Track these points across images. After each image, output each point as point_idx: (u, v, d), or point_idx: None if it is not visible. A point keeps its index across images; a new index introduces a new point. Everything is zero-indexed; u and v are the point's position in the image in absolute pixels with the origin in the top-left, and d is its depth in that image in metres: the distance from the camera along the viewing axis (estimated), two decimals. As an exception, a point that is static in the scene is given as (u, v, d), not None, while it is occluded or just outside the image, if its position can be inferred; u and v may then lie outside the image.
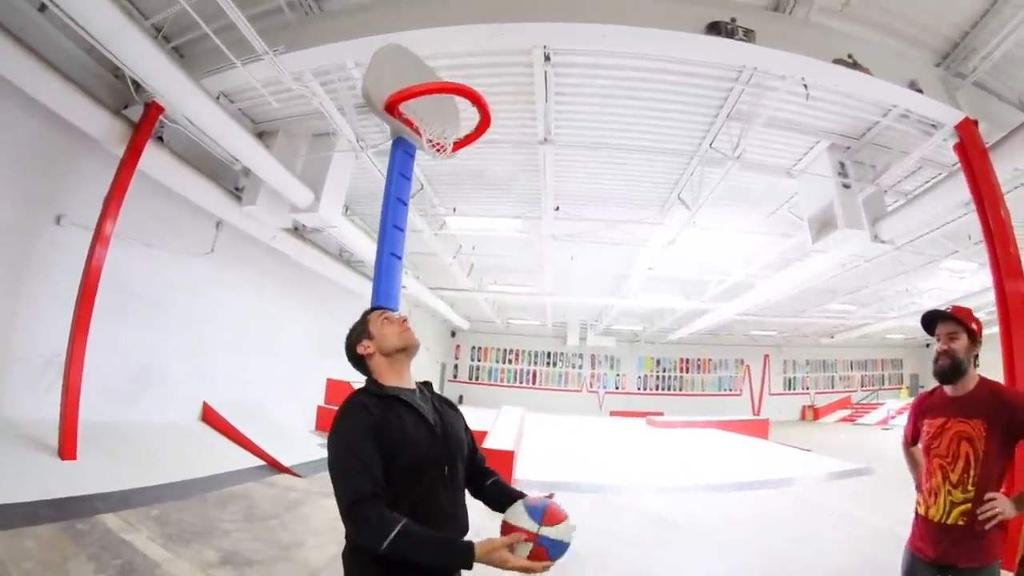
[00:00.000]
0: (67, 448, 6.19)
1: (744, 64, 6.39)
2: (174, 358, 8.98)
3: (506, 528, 1.96)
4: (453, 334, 30.29)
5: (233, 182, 9.06)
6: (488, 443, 10.16)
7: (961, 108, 6.31)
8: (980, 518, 2.38)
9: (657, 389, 31.56)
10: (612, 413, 29.46)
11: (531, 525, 1.94)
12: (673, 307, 19.64)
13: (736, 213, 11.04)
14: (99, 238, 6.53)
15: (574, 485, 9.49)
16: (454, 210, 11.39)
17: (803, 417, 30.90)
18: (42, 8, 6.00)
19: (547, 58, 6.58)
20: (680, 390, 31.45)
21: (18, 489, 5.01)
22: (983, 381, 2.58)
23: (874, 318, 21.72)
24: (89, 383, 6.44)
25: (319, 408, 13.78)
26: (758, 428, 21.21)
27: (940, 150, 7.13)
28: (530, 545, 1.89)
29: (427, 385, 2.38)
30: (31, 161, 6.60)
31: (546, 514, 2.00)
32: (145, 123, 6.81)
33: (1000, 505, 2.35)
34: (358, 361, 2.30)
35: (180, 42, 6.68)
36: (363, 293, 15.21)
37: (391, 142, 4.66)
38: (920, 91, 6.03)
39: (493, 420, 14.00)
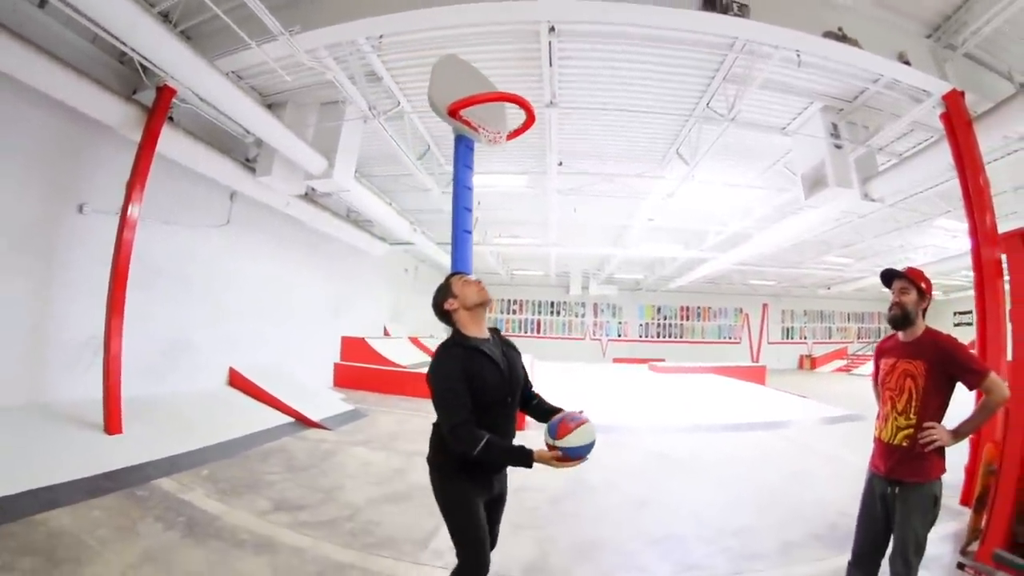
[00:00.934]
0: (112, 423, 6.60)
1: (738, 36, 6.61)
2: (199, 328, 9.37)
3: (546, 444, 2.68)
4: (459, 287, 30.38)
5: (244, 153, 9.30)
6: None
7: (949, 79, 6.58)
8: (920, 441, 2.96)
9: (658, 336, 32.12)
10: (615, 360, 29.98)
11: (549, 439, 2.69)
12: (673, 256, 19.95)
13: (733, 167, 11.28)
14: (125, 222, 6.78)
15: None
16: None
17: (800, 366, 31.73)
18: (42, 4, 6.14)
19: (552, 29, 6.81)
20: (681, 337, 31.99)
21: (74, 466, 5.40)
22: (928, 331, 3.15)
23: (870, 272, 21.92)
24: (124, 360, 6.80)
25: (336, 365, 14.30)
26: (756, 375, 21.66)
27: (931, 115, 7.35)
28: (558, 452, 2.62)
29: (496, 331, 3.08)
30: (50, 154, 6.82)
31: (558, 429, 2.70)
32: (159, 106, 7.00)
33: (938, 433, 2.94)
34: (444, 315, 2.98)
35: (187, 25, 6.76)
36: (370, 252, 15.64)
37: (454, 139, 5.33)
38: (908, 63, 6.30)
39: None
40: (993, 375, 2.93)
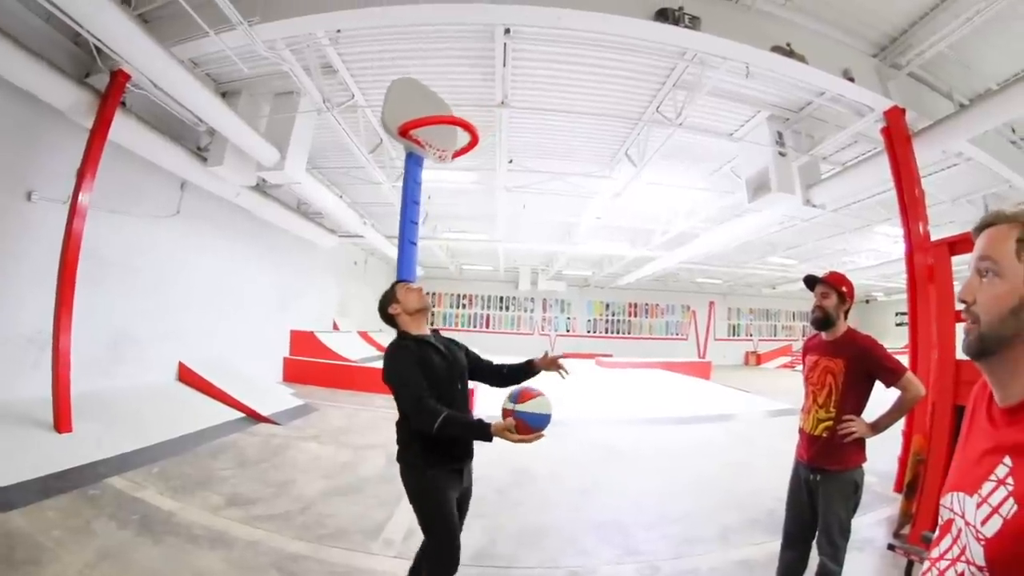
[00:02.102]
0: (62, 421, 6.43)
1: (688, 47, 6.80)
2: (147, 322, 9.18)
3: (503, 411, 2.85)
4: (407, 281, 30.26)
5: (196, 142, 9.13)
6: None
7: (891, 96, 6.94)
8: (840, 432, 3.19)
9: (607, 332, 32.50)
10: (563, 355, 30.07)
11: (509, 405, 2.84)
12: (621, 254, 20.12)
13: (680, 170, 11.55)
14: (75, 211, 6.53)
15: None
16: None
17: (746, 362, 32.57)
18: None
19: (507, 31, 6.92)
20: (629, 333, 32.43)
21: (24, 467, 5.32)
22: (849, 331, 3.42)
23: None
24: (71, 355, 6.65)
25: (285, 360, 14.19)
26: (701, 370, 22.26)
27: (873, 128, 7.68)
28: (514, 421, 2.74)
29: (436, 331, 3.41)
30: None
31: (520, 395, 2.90)
32: (113, 91, 6.80)
33: (856, 425, 3.17)
34: (389, 318, 3.31)
35: (146, 9, 6.53)
36: (319, 244, 15.47)
37: (405, 157, 5.75)
38: (852, 79, 6.63)
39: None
40: (909, 374, 3.22)
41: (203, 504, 5.25)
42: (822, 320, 3.42)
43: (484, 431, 2.75)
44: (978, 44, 6.65)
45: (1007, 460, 1.08)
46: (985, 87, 7.25)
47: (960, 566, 1.11)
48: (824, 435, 3.28)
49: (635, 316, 32.96)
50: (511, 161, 10.97)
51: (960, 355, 4.20)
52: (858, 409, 3.28)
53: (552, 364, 3.66)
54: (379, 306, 3.36)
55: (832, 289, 3.42)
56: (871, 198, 11.85)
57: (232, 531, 4.68)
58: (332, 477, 6.45)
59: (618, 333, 32.64)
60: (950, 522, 1.20)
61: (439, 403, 2.87)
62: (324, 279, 17.95)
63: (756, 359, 32.48)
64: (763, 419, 11.61)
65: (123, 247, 8.60)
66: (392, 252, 19.64)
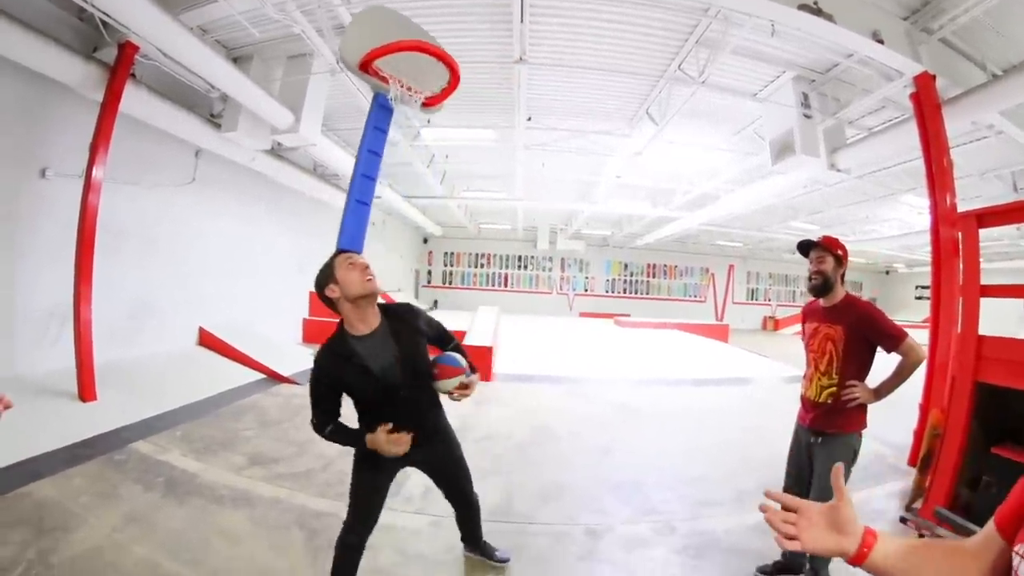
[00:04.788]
0: (86, 391, 6.54)
1: (712, 3, 6.55)
2: (166, 290, 9.26)
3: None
4: (425, 240, 30.51)
5: (209, 109, 9.06)
6: (468, 341, 10.84)
7: (922, 62, 6.62)
8: (843, 397, 3.20)
9: (625, 292, 32.43)
10: (581, 314, 30.30)
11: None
12: (640, 214, 19.99)
13: (703, 129, 11.29)
14: (90, 185, 6.54)
15: (549, 377, 10.50)
16: (428, 122, 11.45)
17: (764, 327, 32.48)
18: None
19: (525, -15, 6.73)
20: (647, 294, 32.34)
21: (52, 437, 5.41)
22: (848, 296, 3.36)
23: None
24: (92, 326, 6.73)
25: (305, 321, 14.32)
26: (719, 332, 22.15)
27: (901, 94, 7.40)
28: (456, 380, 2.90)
29: (392, 314, 2.93)
30: (8, 119, 6.51)
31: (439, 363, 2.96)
32: (122, 64, 6.69)
33: (859, 390, 3.17)
34: (329, 301, 2.74)
35: None
36: (337, 205, 15.26)
37: (372, 99, 4.87)
38: (881, 42, 6.31)
39: (471, 320, 14.81)
40: (909, 339, 3.14)
41: (226, 464, 5.35)
42: (821, 286, 3.34)
43: (359, 440, 2.81)
44: (1015, 11, 6.31)
45: None
46: (1020, 58, 6.89)
47: None
48: (828, 401, 3.27)
49: (654, 277, 32.84)
50: (530, 119, 10.77)
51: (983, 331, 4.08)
52: (861, 375, 3.25)
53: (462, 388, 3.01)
54: (316, 285, 2.78)
55: (828, 253, 3.33)
56: (897, 166, 11.47)
57: (255, 490, 4.78)
58: None
59: (636, 293, 32.53)
60: None
61: (372, 413, 2.86)
62: None
63: (774, 324, 32.21)
64: (780, 384, 11.49)
65: (140, 217, 8.62)
66: (411, 212, 19.62)
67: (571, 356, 14.11)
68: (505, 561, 3.76)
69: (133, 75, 7.04)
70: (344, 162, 11.67)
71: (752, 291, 33.89)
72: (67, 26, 6.70)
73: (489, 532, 3.98)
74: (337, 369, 2.74)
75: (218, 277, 10.70)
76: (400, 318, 2.95)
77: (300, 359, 10.29)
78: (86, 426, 5.84)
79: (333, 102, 10.09)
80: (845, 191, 14.69)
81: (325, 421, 2.81)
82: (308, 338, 13.85)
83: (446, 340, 3.22)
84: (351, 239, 4.56)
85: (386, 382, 2.79)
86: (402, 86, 4.74)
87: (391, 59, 4.53)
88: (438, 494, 3.35)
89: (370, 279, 2.73)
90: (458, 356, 3.03)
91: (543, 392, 9.61)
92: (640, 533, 4.38)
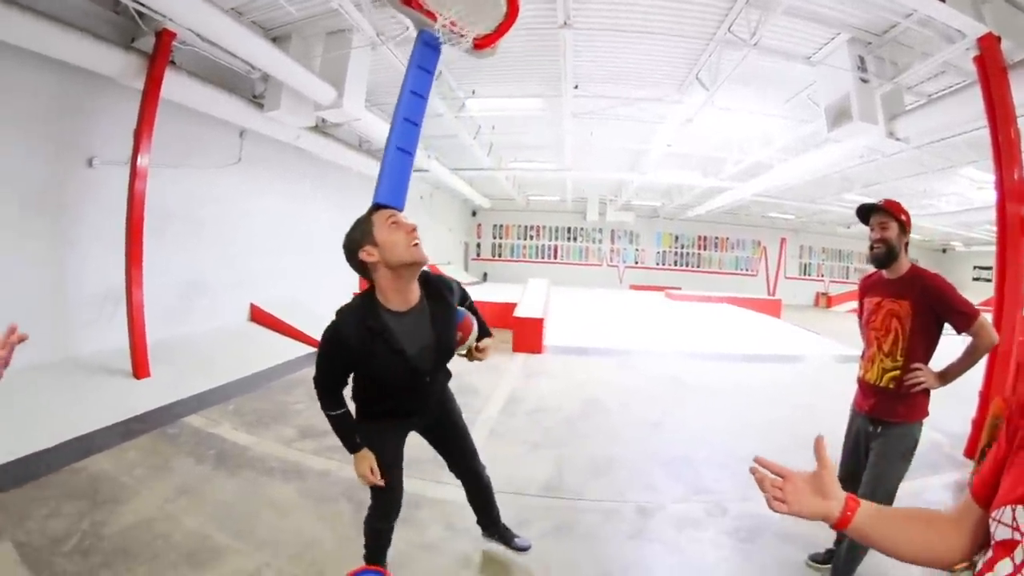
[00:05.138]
0: (140, 368, 6.81)
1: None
2: (216, 269, 9.52)
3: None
4: (474, 213, 30.63)
5: (251, 90, 9.16)
6: (519, 312, 11.05)
7: (985, 22, 6.12)
8: (906, 383, 2.89)
9: (675, 265, 32.01)
10: (631, 287, 30.12)
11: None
12: (691, 184, 19.66)
13: (755, 95, 10.93)
14: (136, 172, 6.74)
15: (599, 350, 10.53)
16: (473, 92, 11.42)
17: (816, 303, 31.54)
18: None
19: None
20: (698, 267, 31.88)
21: (108, 413, 5.59)
22: (914, 268, 3.04)
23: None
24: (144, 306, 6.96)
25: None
26: (771, 307, 21.67)
27: (964, 57, 6.89)
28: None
29: (432, 292, 2.50)
30: (55, 114, 6.71)
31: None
32: (160, 51, 6.83)
33: (924, 375, 2.87)
34: (361, 267, 2.30)
35: None
36: (381, 178, 15.43)
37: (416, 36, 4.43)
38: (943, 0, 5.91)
39: (521, 293, 14.86)
40: (983, 318, 2.84)
41: (277, 437, 5.46)
42: (885, 255, 3.02)
43: (351, 449, 2.59)
44: None
45: None
46: None
47: None
48: (891, 386, 2.97)
49: (704, 249, 32.32)
50: (576, 87, 10.61)
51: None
52: (927, 356, 2.95)
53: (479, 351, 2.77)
54: (347, 246, 2.29)
55: (892, 218, 3.01)
56: (958, 136, 10.81)
57: (305, 462, 4.87)
58: None
59: (687, 266, 32.06)
60: (1010, 544, 1.02)
61: (387, 397, 2.55)
62: None
63: (827, 301, 31.19)
64: (832, 363, 11.21)
65: (188, 199, 8.85)
66: (459, 184, 19.59)
67: (621, 329, 14.06)
68: (526, 549, 3.46)
69: (172, 61, 7.16)
70: (390, 136, 11.70)
71: (805, 266, 32.90)
72: (104, 21, 6.84)
73: (540, 508, 4.05)
74: (363, 344, 2.27)
75: (267, 254, 10.94)
76: (440, 297, 2.53)
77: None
78: (140, 402, 6.02)
79: (376, 76, 10.01)
80: (902, 162, 13.98)
81: (334, 403, 2.48)
82: None
83: (465, 300, 2.92)
84: (391, 193, 4.00)
85: (416, 367, 2.41)
86: (449, 23, 4.31)
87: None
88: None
89: (417, 244, 2.27)
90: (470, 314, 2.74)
91: (593, 365, 9.58)
92: (691, 513, 4.32)
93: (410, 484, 4.36)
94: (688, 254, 32.30)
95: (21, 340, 1.62)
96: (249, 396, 6.76)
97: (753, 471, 1.41)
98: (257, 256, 10.63)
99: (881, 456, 2.96)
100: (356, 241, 2.27)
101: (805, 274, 32.83)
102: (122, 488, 4.10)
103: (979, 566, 1.08)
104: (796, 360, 11.36)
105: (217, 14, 6.34)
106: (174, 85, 7.27)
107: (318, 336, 6.92)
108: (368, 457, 2.58)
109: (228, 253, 9.84)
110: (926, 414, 2.97)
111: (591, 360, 9.96)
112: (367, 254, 2.24)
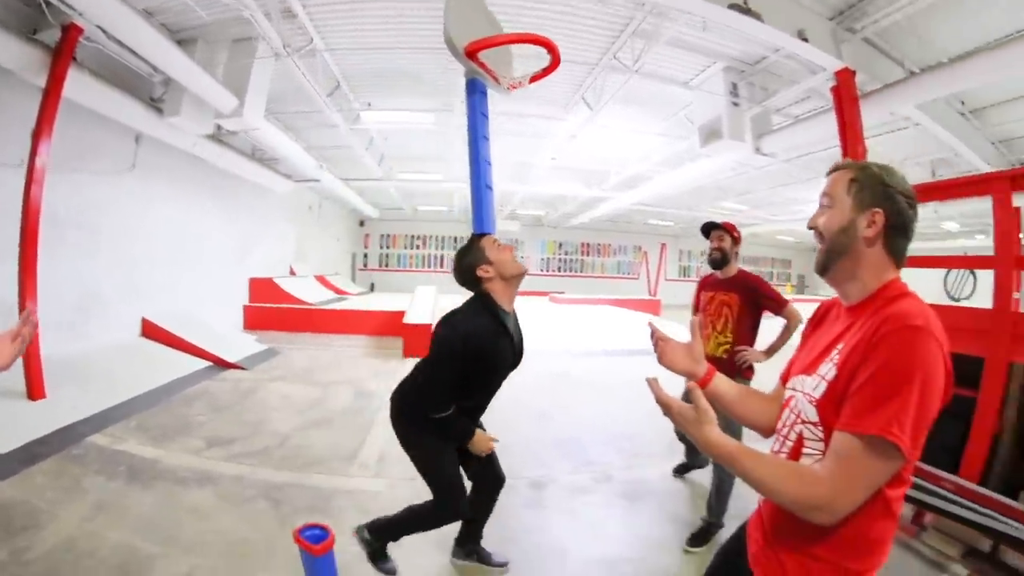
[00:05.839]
0: (35, 389, 6.28)
1: (649, 1, 6.99)
2: (109, 280, 9.06)
3: None
4: (362, 223, 30.29)
5: (149, 93, 8.86)
6: (408, 319, 11.40)
7: (843, 59, 7.18)
8: (737, 361, 4.03)
9: (559, 270, 33.04)
10: (517, 292, 30.48)
11: None
12: (575, 194, 20.47)
13: (636, 114, 11.74)
14: (32, 176, 6.17)
15: None
16: (369, 105, 11.56)
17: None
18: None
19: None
20: (581, 272, 33.03)
21: (4, 439, 5.22)
22: (740, 271, 4.27)
23: (765, 220, 23.71)
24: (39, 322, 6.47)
25: (246, 307, 14.11)
26: (651, 307, 23.21)
27: (825, 86, 7.92)
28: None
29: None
30: None
31: None
32: (66, 47, 6.40)
33: (750, 354, 4.02)
34: (474, 281, 2.86)
35: None
36: (275, 190, 15.23)
37: (466, 84, 4.80)
38: (806, 40, 6.81)
39: (410, 301, 15.08)
40: (791, 305, 4.08)
41: (184, 448, 5.43)
42: (720, 260, 4.25)
43: (468, 433, 2.98)
44: (933, 19, 6.98)
45: (839, 345, 1.43)
46: (935, 59, 7.51)
47: (798, 427, 1.47)
48: (724, 356, 4.09)
49: (588, 255, 33.65)
50: (467, 102, 10.91)
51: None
52: (751, 335, 4.15)
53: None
54: (461, 266, 2.87)
55: (727, 233, 4.25)
56: (821, 151, 12.23)
57: (217, 469, 4.93)
58: (303, 413, 6.81)
59: (571, 271, 33.21)
60: (790, 398, 1.57)
61: (481, 391, 3.00)
62: (280, 225, 17.72)
63: None
64: (710, 354, 12.13)
65: (80, 206, 8.38)
66: (347, 195, 19.57)
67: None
68: (504, 565, 3.56)
69: (74, 58, 6.75)
70: (286, 146, 11.69)
71: (684, 268, 35.33)
72: (4, 6, 6.35)
73: None
74: (494, 338, 2.77)
75: (160, 265, 10.49)
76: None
77: (244, 345, 10.37)
78: (40, 424, 5.70)
79: (276, 86, 9.95)
80: (772, 174, 15.43)
81: (447, 401, 2.82)
82: (249, 325, 13.68)
83: None
84: (488, 222, 4.58)
85: (519, 352, 3.04)
86: (505, 78, 4.85)
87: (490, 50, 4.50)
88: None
89: (519, 260, 2.92)
90: None
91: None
92: (580, 482, 4.92)
93: (322, 479, 4.85)
94: (572, 260, 33.41)
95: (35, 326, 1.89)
96: (151, 411, 6.59)
97: (650, 324, 1.97)
98: (150, 267, 10.22)
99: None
100: (474, 262, 2.84)
101: (685, 276, 35.05)
102: (37, 512, 3.96)
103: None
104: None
105: (130, 14, 6.22)
106: (76, 84, 6.84)
107: (213, 350, 7.03)
108: (482, 434, 3.06)
109: (124, 263, 9.37)
110: (752, 376, 4.09)
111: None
112: (484, 271, 2.83)
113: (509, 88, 4.87)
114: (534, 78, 4.92)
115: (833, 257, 1.51)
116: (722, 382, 1.83)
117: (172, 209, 10.98)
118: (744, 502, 3.84)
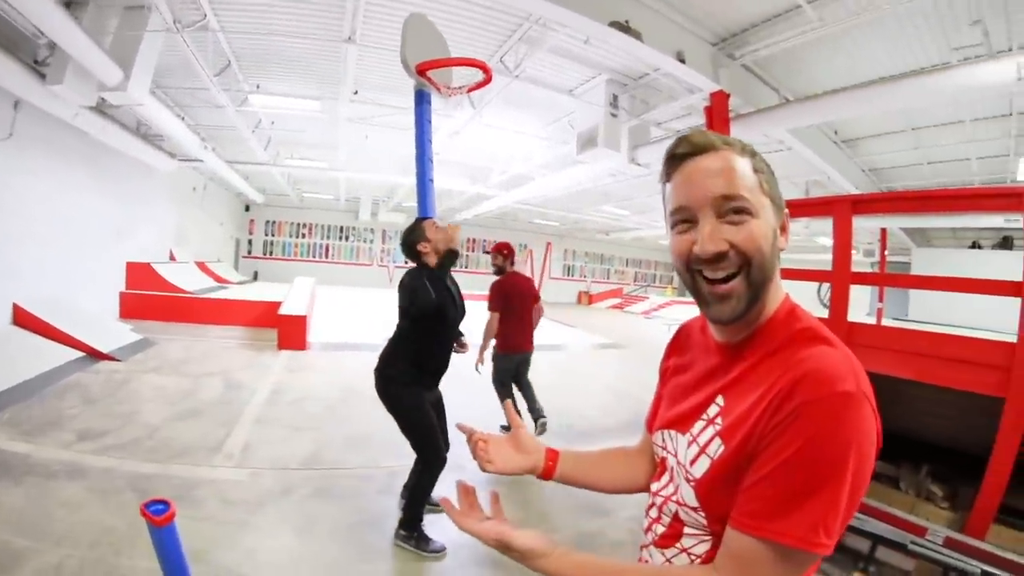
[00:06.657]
0: None
1: (531, 13, 7.53)
2: None
3: None
4: (247, 208, 29.45)
5: (32, 55, 8.27)
6: (283, 310, 11.68)
7: (720, 82, 7.91)
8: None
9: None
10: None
11: None
12: (459, 190, 20.85)
13: (520, 116, 12.39)
14: None
15: (365, 345, 10.90)
16: (257, 87, 11.51)
17: (579, 301, 35.72)
18: None
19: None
20: (466, 267, 33.33)
21: None
22: (511, 274, 6.77)
23: (646, 225, 25.45)
24: None
25: (122, 295, 13.47)
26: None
27: (704, 103, 8.53)
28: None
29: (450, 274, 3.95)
30: None
31: None
32: None
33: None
34: (415, 255, 3.83)
35: None
36: (158, 168, 14.42)
37: (415, 94, 5.84)
38: (683, 61, 7.45)
39: (287, 291, 15.11)
40: (490, 314, 6.51)
41: (56, 442, 5.47)
42: (498, 272, 6.75)
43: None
44: (810, 54, 7.95)
45: (719, 400, 1.09)
46: (808, 90, 8.55)
47: (672, 506, 1.15)
48: None
49: (472, 251, 34.26)
50: (356, 92, 11.17)
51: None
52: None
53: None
54: (406, 241, 3.79)
55: (498, 253, 6.71)
56: None
57: (87, 462, 5.05)
58: (175, 404, 7.01)
59: (456, 267, 33.08)
60: (664, 460, 1.25)
61: (442, 336, 3.92)
62: (162, 206, 16.95)
63: (588, 299, 35.51)
64: (590, 351, 13.17)
65: None
66: (232, 178, 19.18)
67: (387, 325, 14.67)
68: (440, 551, 3.84)
69: None
70: (171, 124, 11.39)
71: (568, 267, 37.04)
72: None
73: (300, 478, 4.99)
74: (439, 289, 3.75)
75: (33, 245, 9.74)
76: (453, 280, 4.10)
77: (119, 335, 10.14)
78: None
79: (164, 60, 9.64)
80: (651, 183, 16.20)
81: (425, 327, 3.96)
82: (126, 313, 13.07)
83: None
84: (430, 207, 5.73)
85: (460, 309, 4.00)
86: (448, 90, 5.92)
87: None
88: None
89: (456, 237, 3.83)
90: None
91: (355, 359, 10.36)
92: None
93: (186, 470, 5.14)
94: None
95: None
96: (21, 405, 6.46)
97: (463, 429, 1.50)
98: (21, 246, 9.46)
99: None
100: (414, 239, 3.81)
101: (569, 275, 36.81)
102: (-100, 516, 3.92)
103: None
104: (557, 349, 13.18)
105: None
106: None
107: (87, 340, 7.22)
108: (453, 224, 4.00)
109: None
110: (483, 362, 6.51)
111: (356, 355, 10.63)
112: (423, 247, 3.79)
113: (449, 95, 6.04)
114: (471, 89, 6.13)
115: (761, 289, 1.05)
116: (568, 461, 1.46)
117: (48, 184, 10.20)
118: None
